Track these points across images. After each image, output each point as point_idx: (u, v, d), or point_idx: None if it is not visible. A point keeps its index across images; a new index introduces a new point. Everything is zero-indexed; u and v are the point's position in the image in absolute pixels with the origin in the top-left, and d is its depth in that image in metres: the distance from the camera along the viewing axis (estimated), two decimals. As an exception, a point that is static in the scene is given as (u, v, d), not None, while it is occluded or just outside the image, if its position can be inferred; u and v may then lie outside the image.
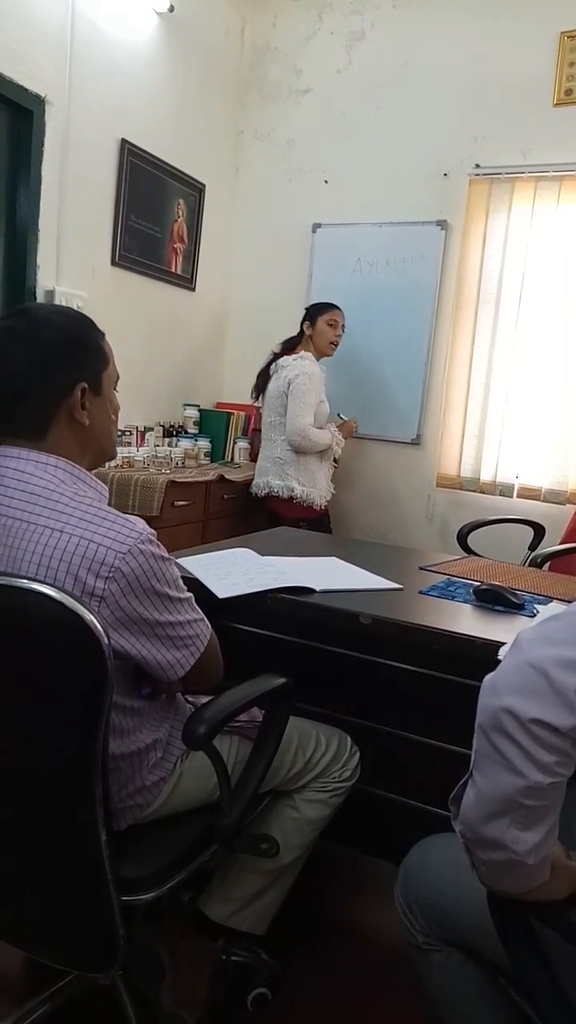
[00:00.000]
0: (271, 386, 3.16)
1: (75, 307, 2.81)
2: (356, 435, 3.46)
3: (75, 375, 1.10)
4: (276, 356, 3.21)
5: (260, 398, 3.26)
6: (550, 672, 0.75)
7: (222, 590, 1.50)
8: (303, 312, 3.29)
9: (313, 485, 3.12)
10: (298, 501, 3.07)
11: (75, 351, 1.11)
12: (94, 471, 1.17)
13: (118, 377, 1.20)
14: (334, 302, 3.27)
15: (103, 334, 1.17)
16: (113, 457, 1.24)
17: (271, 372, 3.18)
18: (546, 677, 0.75)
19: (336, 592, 1.56)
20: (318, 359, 3.22)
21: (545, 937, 0.89)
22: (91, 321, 1.16)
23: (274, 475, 3.13)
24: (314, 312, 3.23)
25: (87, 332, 1.14)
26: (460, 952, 1.05)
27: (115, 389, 1.20)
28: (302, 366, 3.07)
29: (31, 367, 1.07)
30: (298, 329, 3.27)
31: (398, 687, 1.54)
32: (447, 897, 1.03)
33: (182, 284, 3.64)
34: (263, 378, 3.21)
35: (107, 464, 2.91)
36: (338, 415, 3.32)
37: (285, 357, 3.15)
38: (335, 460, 3.31)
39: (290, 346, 3.23)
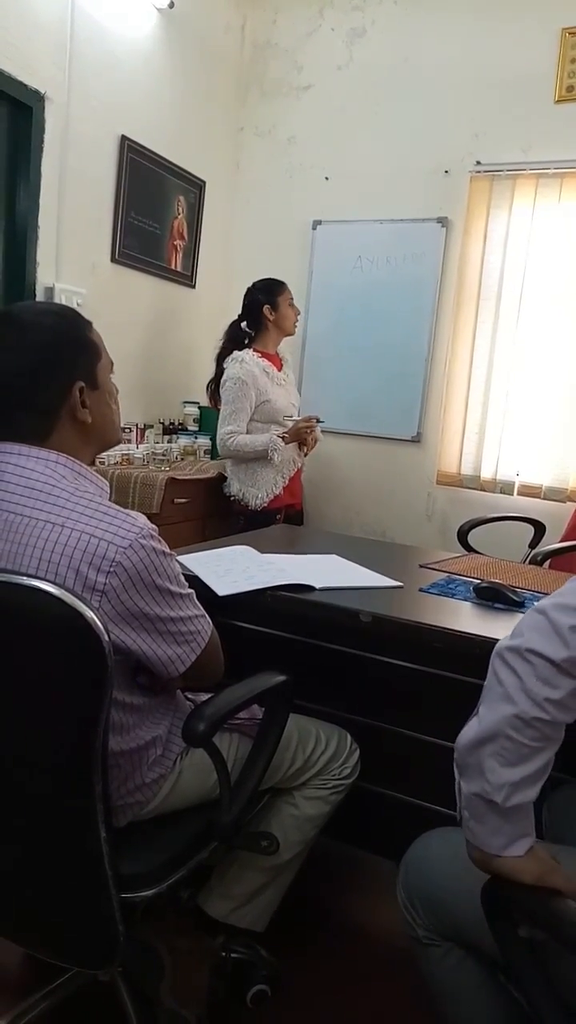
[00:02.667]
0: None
1: (75, 304, 2.81)
2: (357, 433, 3.43)
3: (71, 376, 1.09)
4: (224, 353, 3.00)
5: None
6: (549, 612, 0.88)
7: (222, 588, 1.50)
8: (254, 294, 2.99)
9: (252, 484, 2.96)
10: (234, 498, 3.00)
11: (67, 351, 1.10)
12: (94, 467, 1.16)
13: (112, 363, 1.19)
14: (333, 299, 3.19)
15: (90, 324, 1.15)
16: (119, 442, 1.24)
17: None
18: (545, 616, 0.88)
19: (336, 590, 1.56)
20: (277, 344, 3.05)
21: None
22: (76, 314, 1.15)
23: (227, 471, 3.06)
24: (271, 294, 2.98)
25: (75, 328, 1.12)
26: (460, 947, 1.06)
27: (111, 374, 1.18)
28: (231, 371, 2.88)
29: (25, 377, 1.06)
30: (244, 316, 3.00)
31: (398, 685, 1.54)
32: (447, 891, 1.04)
33: (182, 281, 3.64)
34: (218, 378, 3.02)
35: (107, 461, 2.95)
36: (284, 418, 2.96)
37: (227, 359, 2.97)
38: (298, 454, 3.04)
39: (238, 339, 2.99)
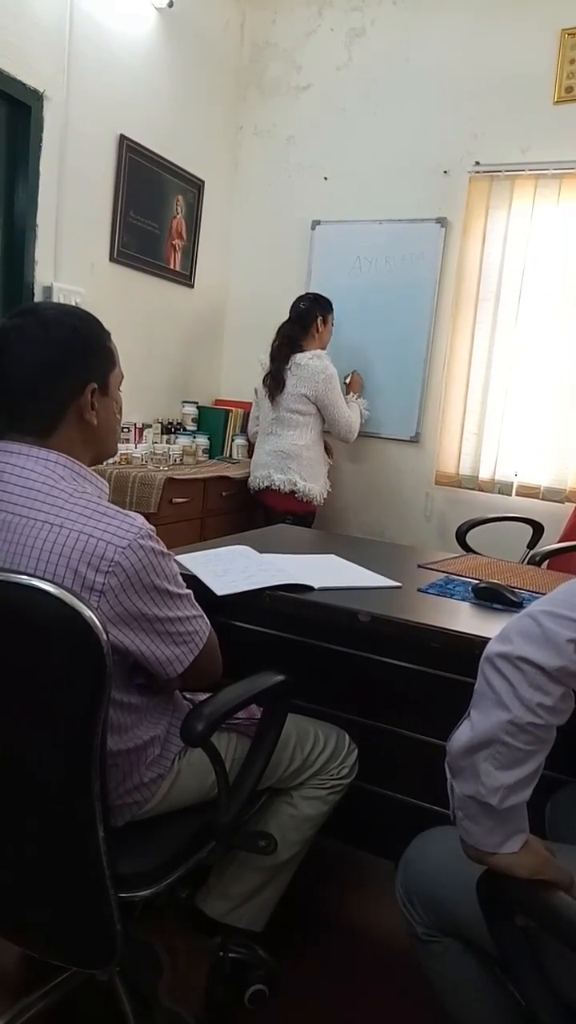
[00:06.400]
0: (289, 382, 3.11)
1: (73, 303, 2.80)
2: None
3: (86, 375, 1.11)
4: (285, 351, 3.12)
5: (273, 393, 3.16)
6: (541, 620, 0.87)
7: (220, 587, 1.50)
8: (311, 304, 3.22)
9: (316, 480, 3.14)
10: (300, 496, 3.09)
11: (86, 352, 1.12)
12: (93, 467, 1.17)
13: (123, 377, 1.22)
14: (332, 299, 3.29)
15: (109, 334, 1.18)
16: (114, 454, 1.26)
17: (288, 367, 3.12)
18: (538, 623, 0.87)
19: (334, 590, 1.56)
20: None
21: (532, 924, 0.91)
22: (98, 321, 1.17)
23: (275, 469, 3.13)
24: (326, 309, 3.24)
25: (96, 333, 1.15)
26: (458, 942, 1.06)
27: (119, 389, 1.21)
28: (327, 367, 3.11)
29: (43, 367, 1.08)
30: (296, 320, 3.20)
31: (396, 685, 1.54)
32: (445, 888, 1.05)
33: (181, 281, 3.63)
34: (280, 375, 3.13)
35: (106, 461, 2.94)
36: (344, 379, 3.40)
37: (301, 355, 3.10)
38: (329, 455, 3.35)
39: (295, 339, 3.15)
